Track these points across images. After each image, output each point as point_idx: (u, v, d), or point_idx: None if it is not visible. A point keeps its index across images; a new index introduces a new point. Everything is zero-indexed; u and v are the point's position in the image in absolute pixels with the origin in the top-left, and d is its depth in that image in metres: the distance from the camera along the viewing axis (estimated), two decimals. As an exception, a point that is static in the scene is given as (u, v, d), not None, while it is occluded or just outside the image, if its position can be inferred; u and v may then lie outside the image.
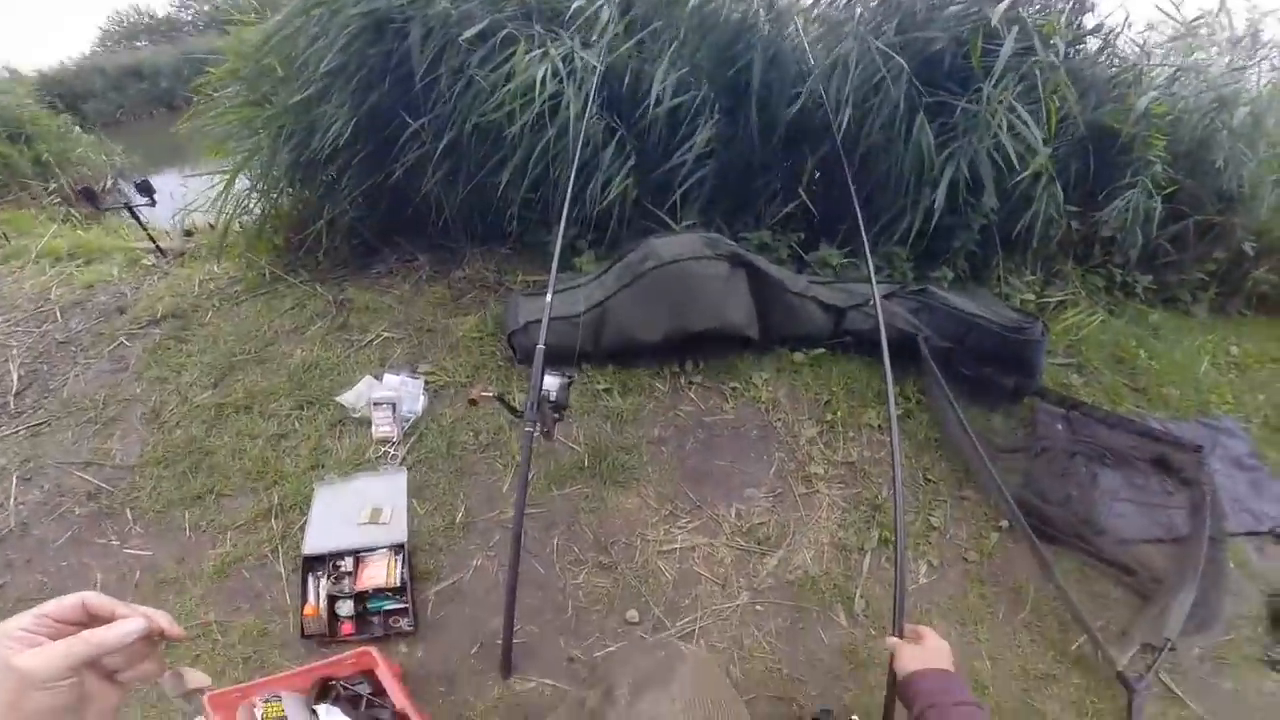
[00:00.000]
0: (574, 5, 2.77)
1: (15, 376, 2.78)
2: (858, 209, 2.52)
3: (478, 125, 2.70)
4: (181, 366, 2.69)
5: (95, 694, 0.56)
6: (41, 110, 6.80)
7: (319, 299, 2.96)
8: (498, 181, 2.79)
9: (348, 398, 2.44)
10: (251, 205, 3.26)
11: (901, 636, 1.37)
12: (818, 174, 3.15)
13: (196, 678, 0.63)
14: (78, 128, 7.30)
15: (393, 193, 3.09)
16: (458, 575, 2.03)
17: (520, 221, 3.06)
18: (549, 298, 1.97)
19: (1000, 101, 2.70)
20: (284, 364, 2.66)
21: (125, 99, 11.99)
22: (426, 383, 2.51)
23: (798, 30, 3.05)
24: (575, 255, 3.00)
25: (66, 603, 0.58)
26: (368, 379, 2.50)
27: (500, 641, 1.78)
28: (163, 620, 0.59)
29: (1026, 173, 2.74)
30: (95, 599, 0.59)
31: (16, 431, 2.55)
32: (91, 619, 0.58)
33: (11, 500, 2.30)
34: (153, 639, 0.59)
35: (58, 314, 3.11)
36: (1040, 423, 2.55)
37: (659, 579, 2.04)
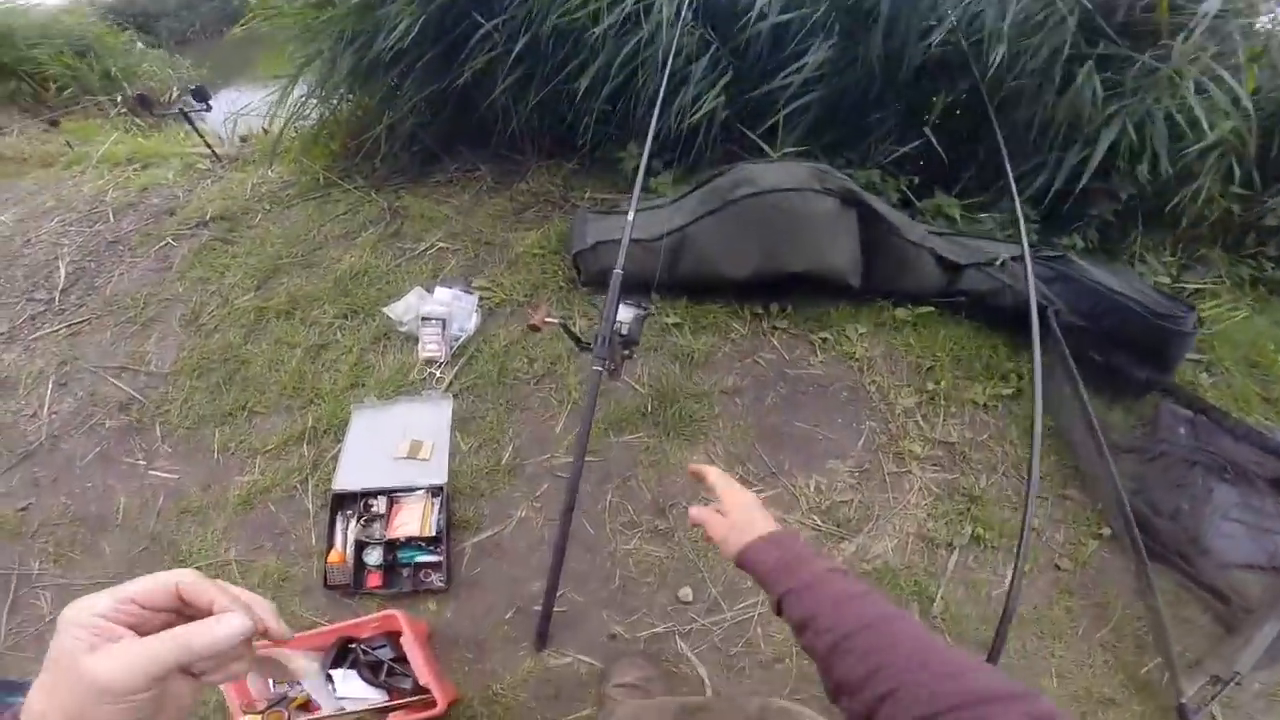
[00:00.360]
0: None
1: (63, 274, 2.67)
2: (1005, 157, 2.15)
3: (557, 27, 2.38)
4: (225, 268, 2.51)
5: (171, 696, 0.46)
6: (106, 28, 6.76)
7: (373, 205, 2.72)
8: (573, 89, 2.46)
9: (395, 309, 2.19)
10: (309, 111, 3.02)
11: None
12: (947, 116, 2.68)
13: (299, 665, 0.55)
14: (139, 44, 7.25)
15: (457, 99, 2.79)
16: (498, 527, 1.79)
17: (593, 135, 2.74)
18: (630, 216, 1.66)
19: (1193, 60, 2.20)
20: (331, 270, 2.44)
21: (197, 17, 12.03)
22: (481, 299, 2.24)
23: None
24: (651, 175, 2.66)
25: (156, 586, 0.48)
26: (418, 290, 2.24)
27: (538, 609, 1.57)
28: (268, 616, 0.50)
29: (1201, 144, 2.26)
30: (191, 583, 0.48)
31: (57, 330, 2.44)
32: (184, 606, 0.48)
33: (45, 408, 2.20)
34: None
35: (110, 215, 2.98)
36: (1163, 424, 2.14)
37: (721, 561, 1.77)
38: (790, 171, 2.11)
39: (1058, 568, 1.83)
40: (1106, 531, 1.89)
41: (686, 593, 1.70)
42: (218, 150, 3.30)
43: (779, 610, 0.75)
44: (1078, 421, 2.01)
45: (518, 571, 1.72)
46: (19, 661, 1.71)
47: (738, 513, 0.89)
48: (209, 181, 3.12)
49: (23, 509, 1.97)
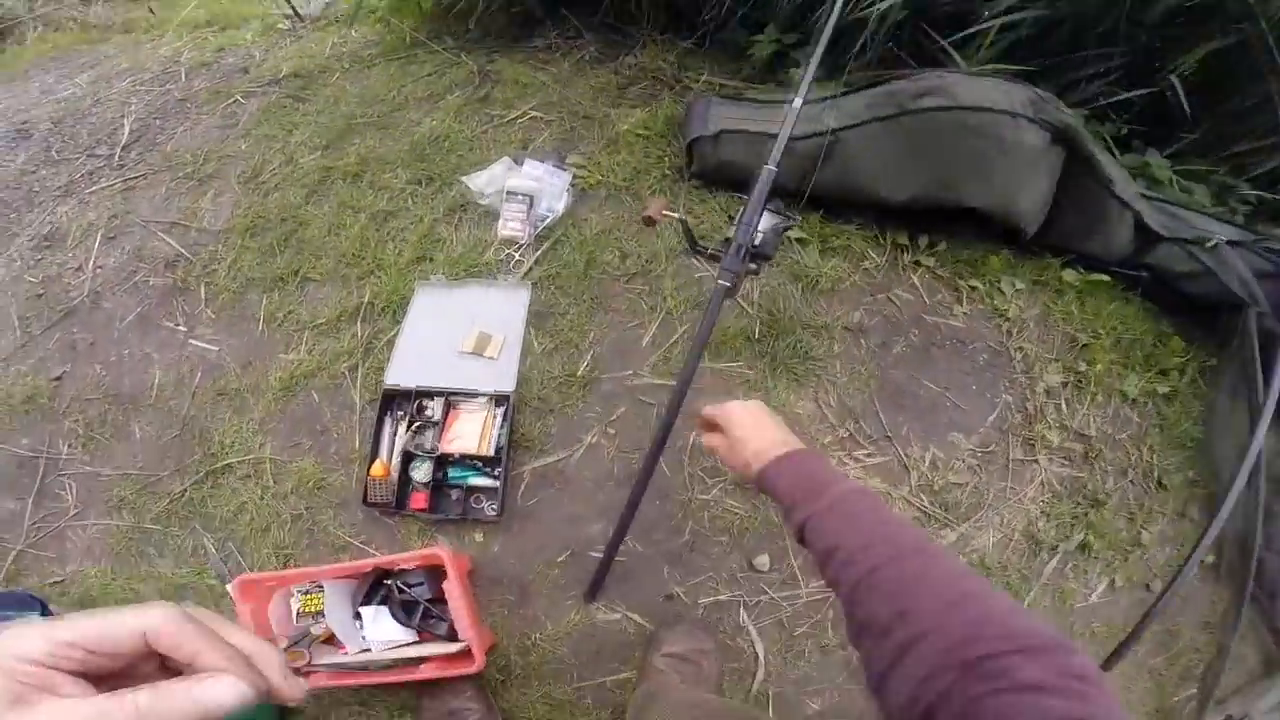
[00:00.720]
0: None
1: (126, 131, 2.49)
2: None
3: None
4: (294, 126, 2.24)
5: None
6: None
7: (462, 68, 2.36)
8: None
9: (477, 180, 1.85)
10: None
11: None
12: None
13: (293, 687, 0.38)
14: None
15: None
16: (565, 452, 1.51)
17: (726, 11, 2.29)
18: (797, 103, 1.25)
19: None
20: (408, 133, 2.11)
21: None
22: (574, 179, 1.87)
23: None
24: (790, 67, 2.20)
25: (115, 631, 0.34)
26: (505, 161, 1.89)
27: (596, 555, 1.36)
28: (274, 673, 0.36)
29: None
30: (170, 632, 0.34)
31: (112, 185, 2.27)
32: (149, 659, 0.35)
33: (91, 262, 2.04)
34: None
35: (182, 75, 2.76)
36: None
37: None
38: (1002, 91, 1.63)
39: (1148, 588, 1.61)
40: (1210, 559, 1.63)
41: (763, 560, 1.44)
42: (300, 9, 3.02)
43: (801, 539, 0.70)
44: (1230, 438, 1.67)
45: (578, 508, 1.45)
46: (37, 562, 1.63)
47: (742, 430, 0.86)
48: (288, 41, 2.85)
49: (57, 379, 1.86)
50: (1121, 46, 2.08)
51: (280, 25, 3.03)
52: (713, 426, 0.92)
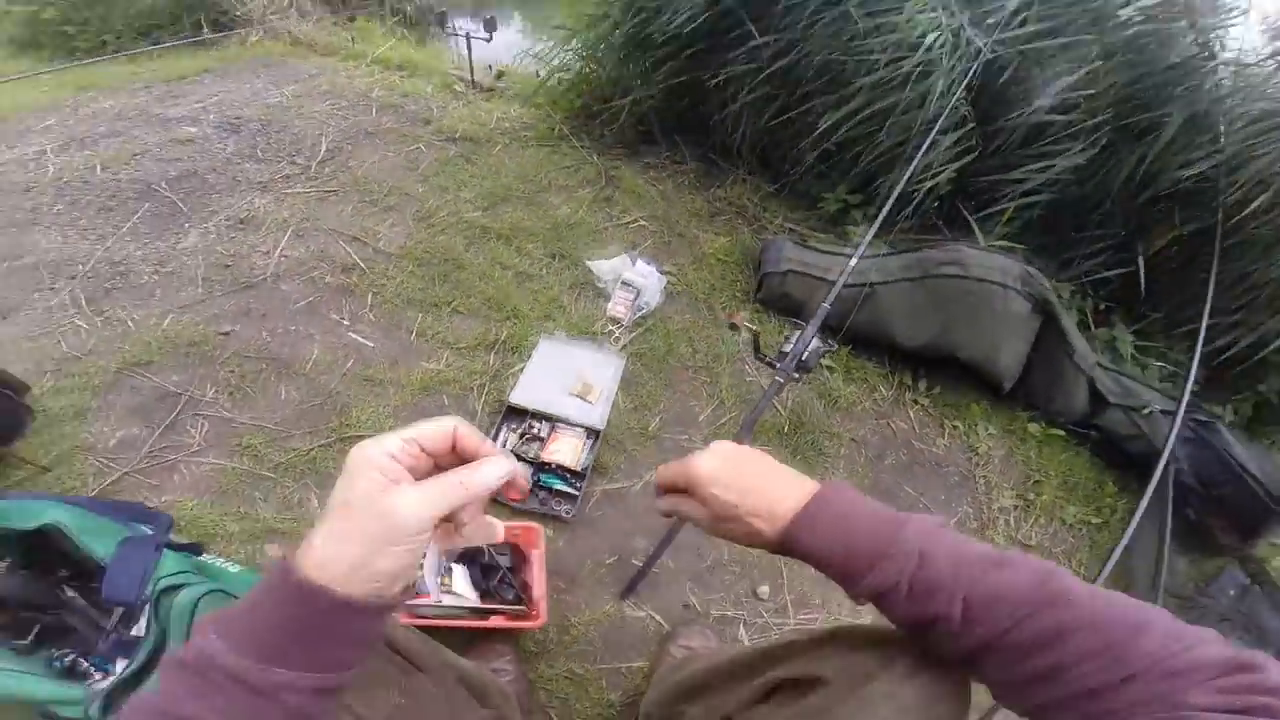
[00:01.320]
0: None
1: (323, 148, 3.07)
2: (1206, 314, 2.30)
3: (827, 62, 2.54)
4: (462, 183, 2.84)
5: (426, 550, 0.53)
6: None
7: (592, 167, 3.01)
8: (811, 124, 2.63)
9: (600, 266, 2.44)
10: (571, 64, 3.35)
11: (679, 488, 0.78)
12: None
13: (498, 529, 0.61)
14: None
15: (695, 92, 3.03)
16: (628, 482, 1.98)
17: (807, 169, 2.90)
18: (853, 261, 1.78)
19: None
20: (549, 213, 2.72)
21: None
22: (668, 283, 2.46)
23: (1229, 84, 2.60)
24: (851, 223, 2.80)
25: (438, 431, 0.53)
26: (625, 257, 2.48)
27: (636, 562, 1.75)
28: (518, 469, 0.56)
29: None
30: (465, 430, 0.54)
31: (307, 191, 2.81)
32: (451, 455, 0.55)
33: (278, 250, 2.50)
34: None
35: (373, 110, 3.40)
36: (1218, 583, 2.24)
37: (805, 568, 1.85)
38: (1002, 266, 2.22)
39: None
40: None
41: (764, 590, 1.83)
42: (476, 79, 3.70)
43: (878, 602, 0.62)
44: (1145, 559, 2.15)
45: (629, 525, 1.89)
46: (136, 487, 1.75)
47: (726, 490, 0.69)
48: (461, 103, 3.50)
49: (224, 333, 2.16)
50: (1110, 228, 2.68)
51: (456, 86, 3.70)
52: (676, 488, 0.76)
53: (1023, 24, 2.51)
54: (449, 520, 0.53)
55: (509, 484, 0.56)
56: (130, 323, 2.19)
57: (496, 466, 0.54)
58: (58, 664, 1.18)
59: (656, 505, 0.79)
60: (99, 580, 1.13)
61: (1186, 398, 2.21)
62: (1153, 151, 2.49)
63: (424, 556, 0.55)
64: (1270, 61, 2.62)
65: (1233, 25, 2.66)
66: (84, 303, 2.29)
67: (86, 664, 1.20)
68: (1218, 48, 2.59)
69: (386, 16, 5.57)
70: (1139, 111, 2.54)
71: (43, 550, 1.25)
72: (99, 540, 1.19)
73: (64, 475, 1.75)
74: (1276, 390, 2.52)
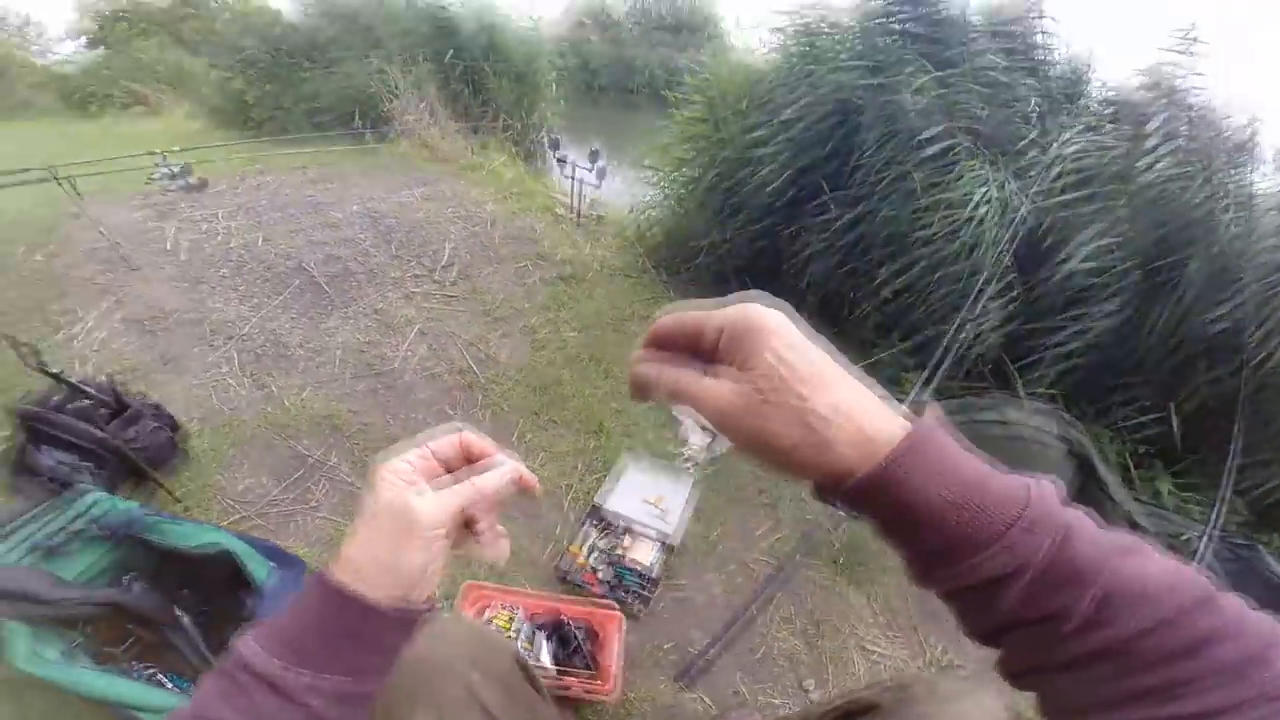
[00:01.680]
0: (1026, 137, 2.97)
1: (446, 254, 3.61)
2: (1233, 457, 2.49)
3: (891, 223, 2.95)
4: (562, 305, 3.32)
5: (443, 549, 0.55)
6: (549, 65, 8.50)
7: (670, 302, 3.45)
8: (871, 278, 3.03)
9: (684, 412, 2.84)
10: (656, 205, 3.89)
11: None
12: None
13: (506, 548, 0.63)
14: (555, 86, 8.80)
15: (768, 240, 3.47)
16: (691, 583, 2.26)
17: (865, 317, 3.29)
18: (902, 407, 2.15)
19: None
20: (634, 341, 3.14)
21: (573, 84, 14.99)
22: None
23: (1255, 235, 2.86)
24: (902, 370, 3.17)
25: (447, 440, 0.58)
26: (704, 407, 2.90)
27: (693, 650, 1.99)
28: (524, 469, 0.60)
29: None
30: (471, 437, 0.59)
31: (432, 294, 3.32)
32: (459, 461, 0.59)
33: (406, 345, 2.95)
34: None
35: (488, 225, 3.97)
36: None
37: (848, 668, 2.10)
38: (1041, 417, 2.55)
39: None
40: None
41: (810, 684, 2.02)
42: (578, 209, 4.26)
43: (952, 587, 0.45)
44: None
45: (689, 619, 2.14)
46: (255, 530, 2.02)
47: (800, 362, 0.44)
48: (562, 229, 4.06)
49: (354, 412, 2.53)
50: (1144, 378, 2.97)
51: (558, 211, 4.27)
52: (693, 345, 0.49)
53: (1058, 181, 2.90)
54: (468, 526, 0.58)
55: (521, 484, 0.60)
56: (275, 389, 2.65)
57: (503, 467, 0.58)
58: (137, 675, 1.43)
59: (640, 375, 0.52)
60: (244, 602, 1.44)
61: (1217, 512, 2.33)
62: (1178, 302, 2.78)
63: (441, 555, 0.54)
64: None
65: (1241, 168, 3.00)
66: (239, 364, 2.78)
67: (168, 682, 1.43)
68: (1232, 193, 2.89)
69: (500, 134, 6.35)
70: (1165, 263, 2.85)
71: (203, 568, 1.57)
72: (257, 567, 1.54)
73: (193, 507, 2.10)
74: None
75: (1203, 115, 3.11)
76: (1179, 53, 3.13)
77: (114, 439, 2.06)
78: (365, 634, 0.51)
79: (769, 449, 0.45)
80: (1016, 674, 0.47)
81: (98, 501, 1.73)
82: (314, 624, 0.50)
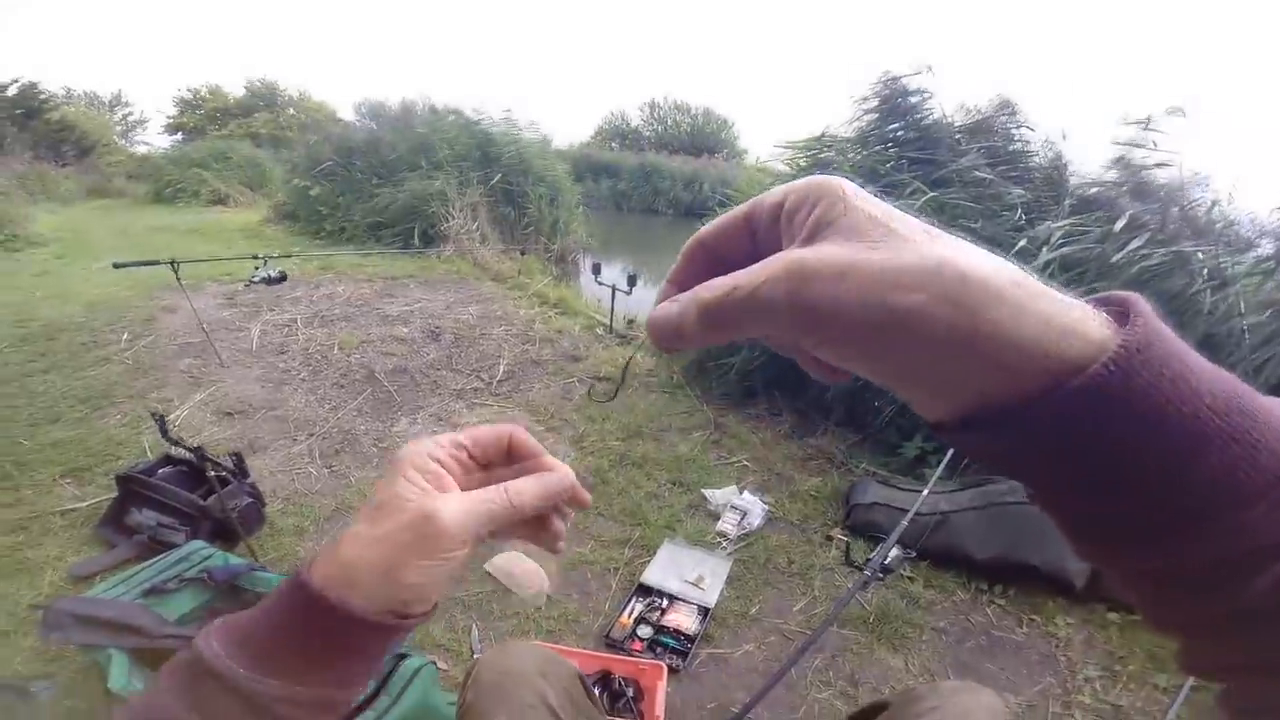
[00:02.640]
0: (1018, 244, 3.40)
1: (501, 369, 4.13)
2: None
3: None
4: (605, 417, 3.77)
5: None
6: (569, 180, 9.53)
7: (703, 414, 3.89)
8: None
9: (715, 495, 3.23)
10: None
11: None
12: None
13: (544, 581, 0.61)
14: (582, 205, 9.80)
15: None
16: (730, 649, 2.49)
17: (888, 422, 3.65)
18: (925, 493, 2.52)
19: None
20: (671, 449, 3.57)
21: (592, 189, 16.27)
22: (768, 510, 3.21)
23: (1241, 310, 3.09)
24: (926, 467, 3.51)
25: (491, 435, 0.51)
26: (733, 488, 3.29)
27: (733, 710, 2.17)
28: (574, 480, 0.51)
29: None
30: (523, 437, 0.52)
31: (489, 404, 3.81)
32: (508, 459, 0.52)
33: None
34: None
35: (535, 341, 4.52)
36: None
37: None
38: None
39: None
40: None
41: None
42: (614, 325, 4.81)
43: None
44: None
45: (728, 681, 2.35)
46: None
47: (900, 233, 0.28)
48: (601, 346, 4.59)
49: None
50: None
51: (597, 330, 4.82)
52: (733, 245, 0.37)
53: (1053, 279, 3.30)
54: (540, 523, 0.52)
55: (572, 498, 0.52)
56: (351, 478, 3.09)
57: (551, 476, 0.50)
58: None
59: (661, 318, 0.35)
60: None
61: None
62: None
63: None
64: (1258, 274, 3.20)
65: (1213, 247, 3.25)
66: (318, 455, 3.23)
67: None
68: (1208, 273, 3.15)
69: (541, 254, 7.10)
70: None
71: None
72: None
73: (274, 569, 2.39)
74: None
75: (1171, 199, 3.52)
76: (1138, 140, 3.63)
77: (213, 504, 2.53)
78: (350, 645, 0.44)
79: (902, 317, 0.27)
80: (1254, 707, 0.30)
81: (208, 554, 2.14)
82: (290, 630, 0.44)
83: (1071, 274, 3.41)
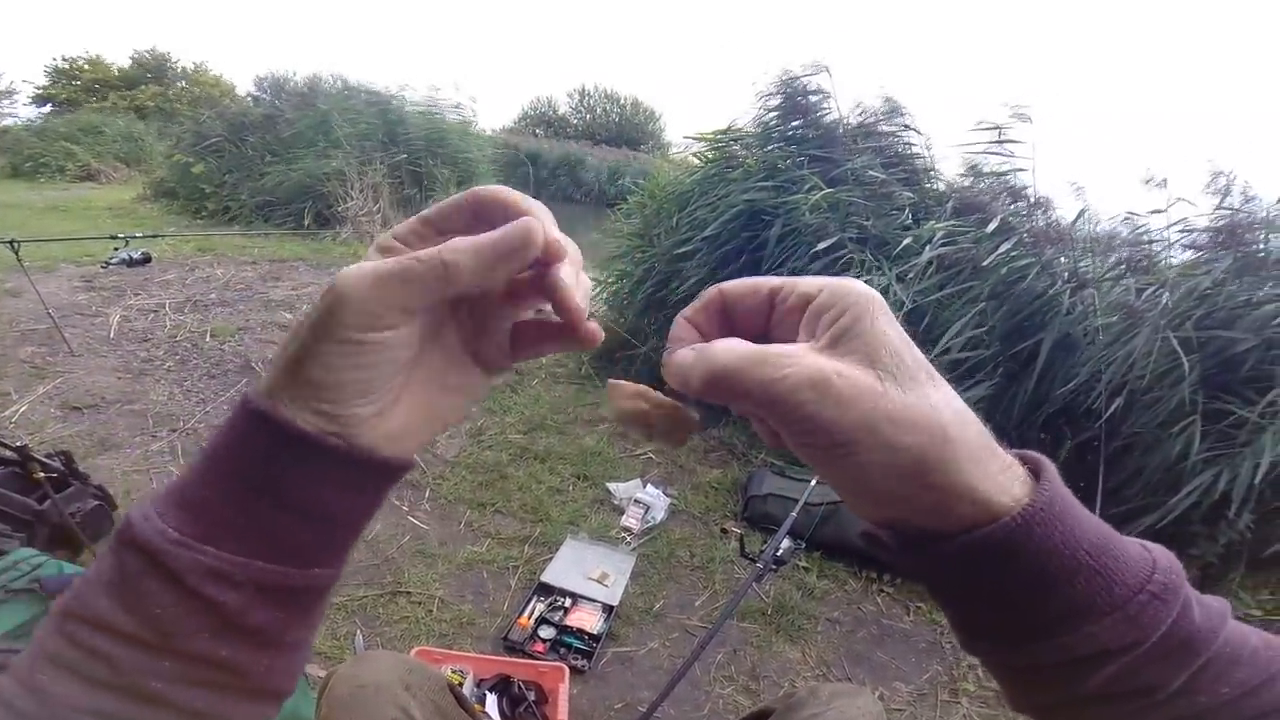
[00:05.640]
0: (903, 242, 3.68)
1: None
2: (1098, 500, 2.98)
3: None
4: (507, 408, 3.83)
5: (437, 376, 0.41)
6: (485, 164, 9.71)
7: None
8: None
9: (618, 488, 3.34)
10: (597, 313, 4.49)
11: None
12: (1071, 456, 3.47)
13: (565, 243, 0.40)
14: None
15: (700, 344, 4.14)
16: (635, 647, 2.58)
17: None
18: (813, 482, 2.63)
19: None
20: (576, 441, 3.67)
21: (511, 175, 16.14)
22: (671, 504, 3.34)
23: (1095, 310, 3.52)
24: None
25: (451, 202, 0.40)
26: (637, 481, 3.40)
27: (641, 709, 2.21)
28: (550, 223, 0.38)
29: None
30: (488, 191, 0.39)
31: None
32: (475, 222, 0.39)
33: None
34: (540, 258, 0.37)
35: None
36: None
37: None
38: None
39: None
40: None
41: None
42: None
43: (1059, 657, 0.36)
44: None
45: (635, 680, 2.44)
46: None
47: (908, 359, 0.36)
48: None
49: None
50: (1023, 446, 3.48)
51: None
52: (757, 313, 0.43)
53: (933, 278, 3.59)
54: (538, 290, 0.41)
55: (545, 250, 0.37)
56: None
57: (499, 231, 0.36)
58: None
59: (681, 360, 0.40)
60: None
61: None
62: (1042, 375, 3.38)
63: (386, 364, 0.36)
64: (1108, 279, 3.59)
65: (1072, 252, 3.65)
66: (181, 453, 3.12)
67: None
68: (1067, 275, 3.53)
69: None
70: (1020, 341, 3.50)
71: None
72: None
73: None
74: (1209, 552, 3.01)
75: (1035, 204, 3.91)
76: (995, 143, 3.99)
77: (49, 508, 2.36)
78: (290, 485, 0.35)
79: (887, 449, 0.34)
80: None
81: (39, 562, 1.96)
82: (223, 470, 0.37)
83: (948, 273, 3.73)
